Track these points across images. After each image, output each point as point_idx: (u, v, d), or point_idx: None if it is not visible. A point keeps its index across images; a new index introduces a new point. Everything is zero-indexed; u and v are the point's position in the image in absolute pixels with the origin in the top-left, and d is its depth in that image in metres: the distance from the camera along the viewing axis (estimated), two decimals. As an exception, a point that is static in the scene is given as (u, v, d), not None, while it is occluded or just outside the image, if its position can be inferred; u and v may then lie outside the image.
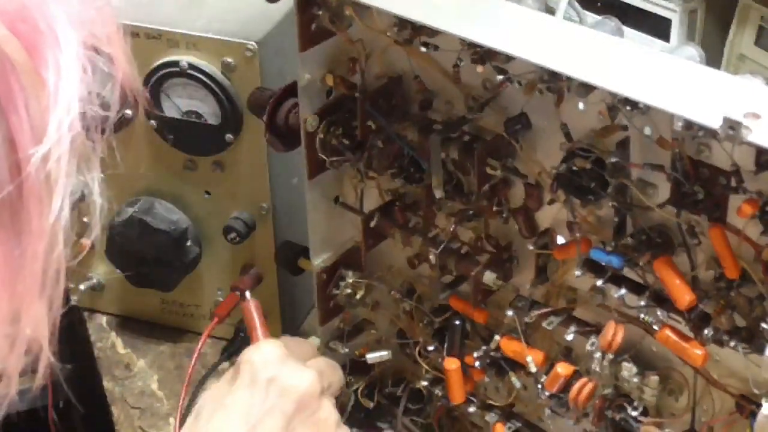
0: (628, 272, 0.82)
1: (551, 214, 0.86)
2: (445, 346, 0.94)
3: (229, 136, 1.08)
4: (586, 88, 0.75)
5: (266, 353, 0.84)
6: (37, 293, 0.50)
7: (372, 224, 0.95)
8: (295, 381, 0.83)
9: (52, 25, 0.47)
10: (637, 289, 0.82)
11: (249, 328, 0.93)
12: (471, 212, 0.90)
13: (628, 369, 0.84)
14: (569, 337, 0.87)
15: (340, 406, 0.94)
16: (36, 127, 0.45)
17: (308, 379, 0.83)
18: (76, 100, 0.47)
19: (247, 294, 0.95)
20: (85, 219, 1.17)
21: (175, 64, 1.06)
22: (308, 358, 0.89)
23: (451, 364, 0.92)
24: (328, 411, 0.84)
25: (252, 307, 0.94)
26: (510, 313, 0.89)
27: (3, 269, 0.47)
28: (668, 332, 0.80)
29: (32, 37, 0.46)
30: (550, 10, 1.14)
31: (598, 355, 0.84)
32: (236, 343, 1.15)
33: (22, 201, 0.46)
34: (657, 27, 1.15)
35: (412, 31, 0.84)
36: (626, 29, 1.12)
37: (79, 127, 0.47)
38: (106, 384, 1.17)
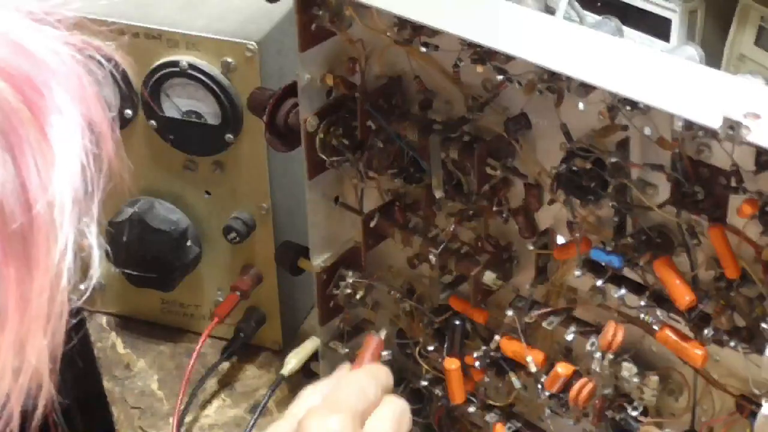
0: (628, 272, 0.82)
1: (551, 214, 0.86)
2: (445, 346, 0.94)
3: (229, 136, 1.08)
4: (586, 88, 0.75)
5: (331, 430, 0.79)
6: (42, 326, 0.53)
7: (372, 224, 0.95)
8: None
9: (53, 96, 0.51)
10: (637, 289, 0.82)
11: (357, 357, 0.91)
12: (471, 212, 0.90)
13: (628, 369, 0.84)
14: (569, 337, 0.87)
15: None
16: (43, 178, 0.50)
17: None
18: (77, 160, 0.52)
19: (381, 334, 0.94)
20: (85, 219, 1.16)
21: (175, 64, 1.06)
22: (376, 405, 0.82)
23: (451, 364, 0.92)
24: None
25: (373, 344, 0.93)
26: (510, 313, 0.89)
27: (16, 297, 0.51)
28: (668, 332, 0.80)
29: (37, 101, 0.50)
30: (550, 10, 1.14)
31: (598, 355, 0.84)
32: (236, 342, 1.15)
33: (33, 235, 0.50)
34: (657, 27, 1.15)
35: (412, 31, 0.84)
36: (626, 29, 1.12)
37: (79, 183, 0.52)
38: (106, 384, 1.17)
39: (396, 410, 0.83)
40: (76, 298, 0.55)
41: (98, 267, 0.55)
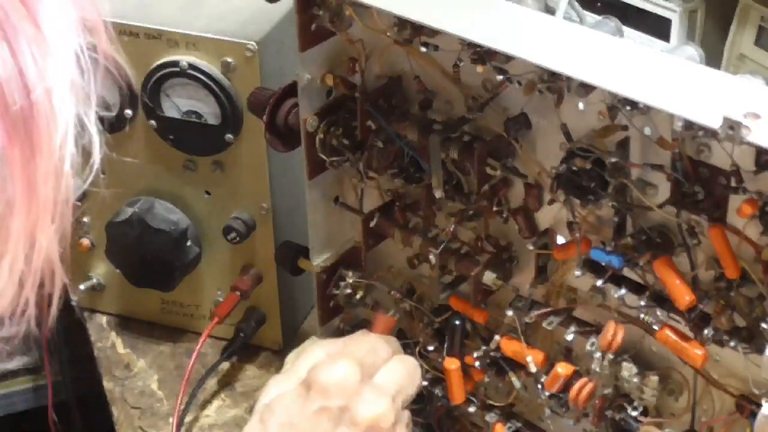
0: (628, 272, 0.82)
1: (551, 214, 0.86)
2: (445, 346, 0.94)
3: (229, 136, 1.08)
4: (586, 88, 0.75)
5: (341, 378, 0.82)
6: (49, 210, 0.55)
7: (372, 224, 0.95)
8: (368, 412, 0.80)
9: None
10: (637, 289, 0.82)
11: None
12: (471, 212, 0.90)
13: (628, 369, 0.84)
14: (569, 337, 0.87)
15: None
16: (39, 66, 0.52)
17: (381, 410, 0.81)
18: (72, 51, 0.55)
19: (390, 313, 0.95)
20: (85, 219, 1.17)
21: (175, 64, 1.06)
22: (386, 362, 0.86)
23: (451, 364, 0.92)
24: None
25: (383, 321, 0.94)
26: (510, 313, 0.89)
27: (22, 181, 0.53)
28: (668, 332, 0.80)
29: None
30: (550, 10, 1.14)
31: (598, 355, 0.84)
32: (236, 342, 1.15)
33: (34, 119, 0.52)
34: (657, 27, 1.14)
35: (412, 31, 0.84)
36: (626, 29, 1.12)
37: (76, 72, 0.55)
38: (106, 384, 1.17)
39: (407, 365, 0.86)
40: (81, 182, 0.57)
41: (99, 152, 0.57)
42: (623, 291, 0.82)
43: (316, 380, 0.81)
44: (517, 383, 0.91)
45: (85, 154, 0.56)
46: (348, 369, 0.82)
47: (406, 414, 0.84)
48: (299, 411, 0.81)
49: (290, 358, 1.01)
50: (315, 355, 0.87)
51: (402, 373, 0.86)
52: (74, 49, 0.55)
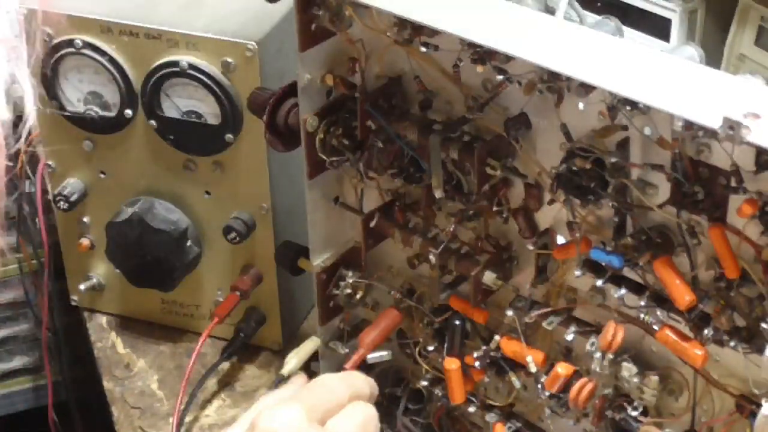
0: (628, 272, 0.82)
1: (551, 214, 0.86)
2: (445, 346, 0.94)
3: (229, 136, 1.08)
4: (586, 88, 0.75)
5: (285, 422, 0.76)
6: None
7: (372, 224, 0.95)
8: None
9: None
10: (637, 289, 0.82)
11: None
12: (471, 212, 0.90)
13: (628, 369, 0.84)
14: (569, 337, 0.87)
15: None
16: None
17: None
18: (2, 8, 0.56)
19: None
20: (85, 219, 1.17)
21: (175, 64, 1.06)
22: (341, 407, 0.80)
23: (451, 364, 0.92)
24: None
25: (389, 316, 0.95)
26: (510, 313, 0.89)
27: None
28: (668, 332, 0.80)
29: None
30: (550, 10, 1.14)
31: (598, 355, 0.84)
32: (236, 342, 1.15)
33: None
34: (657, 27, 1.15)
35: (412, 31, 0.84)
36: (626, 29, 1.12)
37: (7, 27, 0.56)
38: (106, 384, 1.17)
39: (363, 414, 0.80)
40: (13, 140, 0.58)
41: (33, 107, 0.58)
42: (623, 291, 0.82)
43: (258, 424, 0.76)
44: (517, 383, 0.91)
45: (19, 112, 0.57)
46: (292, 412, 0.76)
47: None
48: None
49: (290, 357, 1.01)
50: (263, 403, 0.82)
51: (356, 422, 0.79)
52: (4, 8, 0.56)
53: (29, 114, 0.58)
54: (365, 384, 0.83)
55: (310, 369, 1.08)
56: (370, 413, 0.80)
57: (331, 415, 0.78)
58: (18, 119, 0.58)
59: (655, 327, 0.81)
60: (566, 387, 0.87)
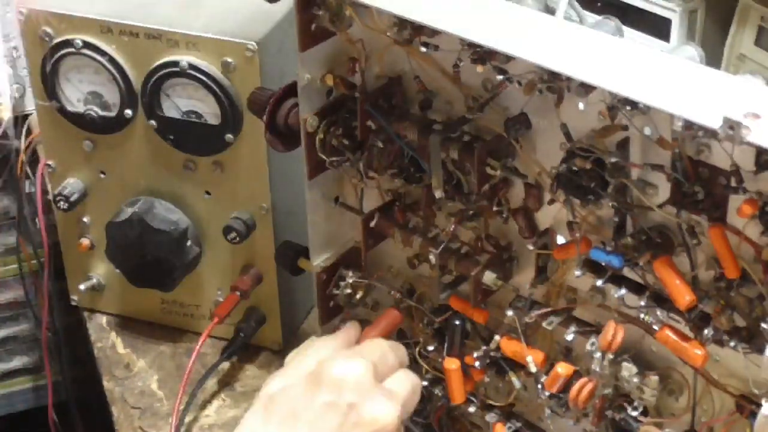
0: (628, 272, 0.82)
1: (551, 214, 0.86)
2: (445, 346, 0.94)
3: (229, 136, 1.08)
4: (586, 88, 0.75)
5: (355, 375, 0.80)
6: None
7: (372, 224, 0.95)
8: (376, 414, 0.79)
9: None
10: (637, 289, 0.82)
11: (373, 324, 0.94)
12: (471, 212, 0.90)
13: (628, 369, 0.84)
14: (569, 337, 0.87)
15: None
16: None
17: (389, 415, 0.80)
18: None
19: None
20: (85, 219, 1.18)
21: (175, 64, 1.06)
22: (393, 371, 0.85)
23: (451, 364, 0.92)
24: None
25: (391, 316, 0.95)
26: (510, 313, 0.89)
27: None
28: (668, 332, 0.80)
29: None
30: (550, 10, 1.14)
31: (598, 355, 0.84)
32: (236, 342, 1.15)
33: None
34: (657, 27, 1.14)
35: (412, 31, 0.84)
36: (626, 29, 1.12)
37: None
38: (106, 384, 1.17)
39: (413, 380, 0.86)
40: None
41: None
42: (623, 291, 0.82)
43: (329, 374, 0.79)
44: (517, 383, 0.91)
45: None
46: (364, 367, 0.80)
47: (402, 429, 0.83)
48: (305, 403, 0.79)
49: (290, 357, 1.01)
50: (324, 350, 0.86)
51: (409, 385, 0.85)
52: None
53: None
54: (406, 355, 0.89)
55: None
56: (418, 381, 0.86)
57: (386, 376, 0.83)
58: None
59: (655, 327, 0.81)
60: (566, 387, 0.87)
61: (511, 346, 0.90)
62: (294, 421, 0.79)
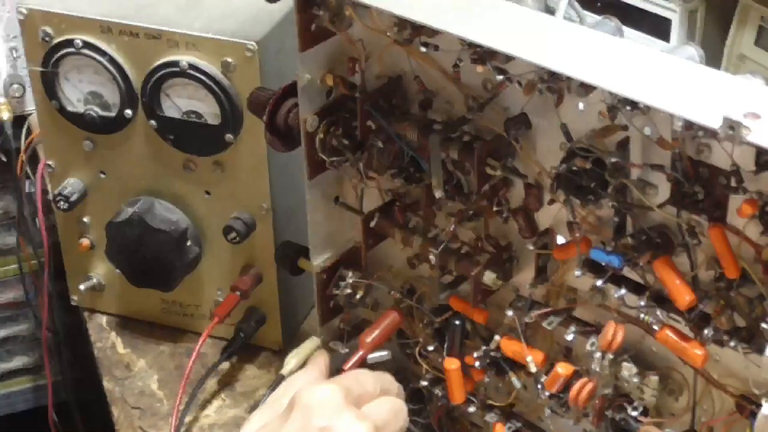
0: (628, 272, 0.82)
1: (551, 214, 0.86)
2: (445, 346, 0.94)
3: (229, 136, 1.08)
4: (586, 88, 0.75)
5: (324, 398, 0.80)
6: None
7: (372, 224, 0.95)
8: None
9: None
10: (637, 289, 0.82)
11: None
12: (471, 212, 0.90)
13: (628, 369, 0.84)
14: (569, 337, 0.87)
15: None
16: None
17: None
18: None
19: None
20: (85, 219, 1.18)
21: (175, 64, 1.06)
22: (372, 398, 0.84)
23: (451, 364, 0.92)
24: None
25: (388, 317, 0.95)
26: (510, 313, 0.89)
27: None
28: (668, 332, 0.80)
29: None
30: (550, 10, 1.14)
31: (598, 355, 0.84)
32: (236, 342, 1.15)
33: None
34: (657, 27, 1.15)
35: (412, 31, 0.84)
36: (626, 29, 1.12)
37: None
38: (106, 384, 1.17)
39: (395, 405, 0.85)
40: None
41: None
42: (623, 291, 0.82)
43: (299, 402, 0.79)
44: (517, 383, 0.91)
45: None
46: (331, 391, 0.80)
47: None
48: (279, 427, 0.79)
49: (290, 357, 1.02)
50: (299, 383, 0.86)
51: (388, 409, 0.84)
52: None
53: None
54: (394, 385, 0.88)
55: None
56: (401, 406, 0.86)
57: (364, 402, 0.83)
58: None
59: (655, 327, 0.81)
60: (566, 387, 0.87)
61: (511, 346, 0.90)
62: None
